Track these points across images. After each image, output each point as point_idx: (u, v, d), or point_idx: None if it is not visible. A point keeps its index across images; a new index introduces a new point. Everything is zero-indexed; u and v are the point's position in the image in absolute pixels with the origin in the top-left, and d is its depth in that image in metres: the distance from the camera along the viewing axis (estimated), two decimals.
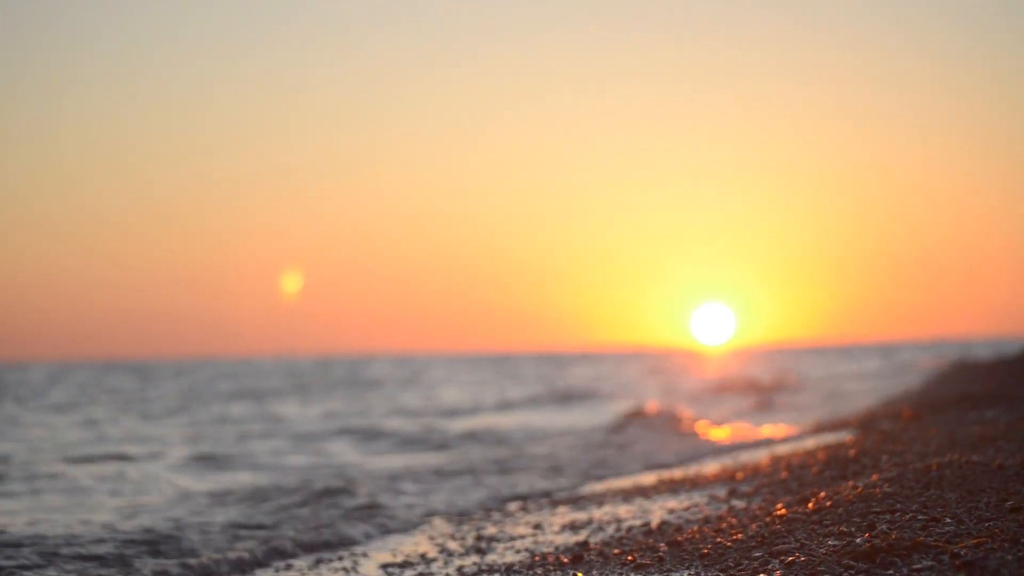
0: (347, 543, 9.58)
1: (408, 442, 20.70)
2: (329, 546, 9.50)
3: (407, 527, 10.33)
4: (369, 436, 22.06)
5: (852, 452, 10.93)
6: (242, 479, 14.66)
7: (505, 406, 33.69)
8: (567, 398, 37.08)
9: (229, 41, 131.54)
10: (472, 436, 21.67)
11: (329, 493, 11.94)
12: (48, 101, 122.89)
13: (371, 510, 10.94)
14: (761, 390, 37.70)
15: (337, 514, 10.73)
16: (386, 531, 10.17)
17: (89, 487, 13.62)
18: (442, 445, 19.92)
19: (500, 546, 8.49)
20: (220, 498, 12.34)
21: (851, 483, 8.18)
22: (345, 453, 18.83)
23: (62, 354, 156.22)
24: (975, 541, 5.76)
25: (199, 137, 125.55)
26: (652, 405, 27.98)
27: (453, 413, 30.52)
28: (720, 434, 20.07)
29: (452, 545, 8.85)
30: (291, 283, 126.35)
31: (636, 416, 24.00)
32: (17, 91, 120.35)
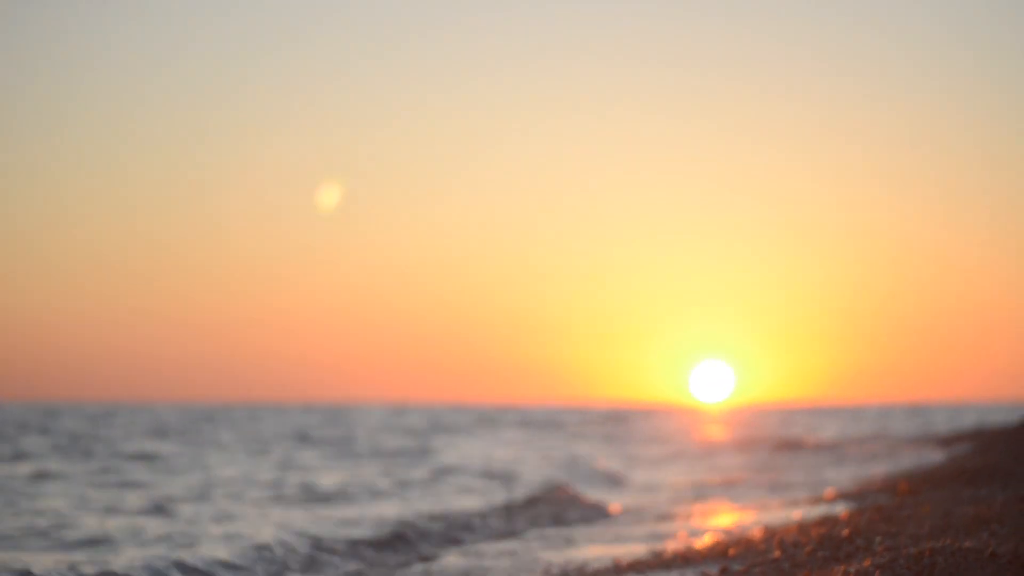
0: None
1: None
2: None
3: None
4: None
5: (846, 531, 10.87)
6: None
7: None
8: None
9: (215, 84, 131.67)
10: None
11: None
12: (48, 130, 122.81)
13: None
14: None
15: None
16: None
17: None
18: None
19: None
20: None
21: (843, 567, 8.14)
22: None
23: (51, 395, 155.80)
24: None
25: (191, 175, 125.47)
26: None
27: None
28: None
29: None
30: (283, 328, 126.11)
31: None
32: (14, 121, 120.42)
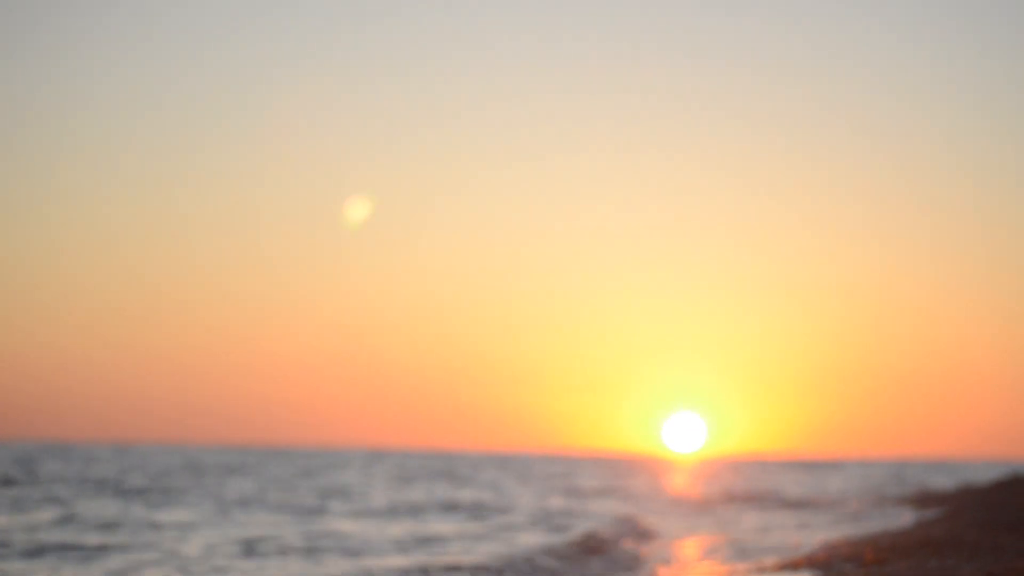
0: None
1: None
2: None
3: None
4: None
5: None
6: None
7: None
8: None
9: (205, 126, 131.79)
10: None
11: None
12: (35, 148, 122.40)
13: None
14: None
15: None
16: None
17: None
18: None
19: None
20: None
21: None
22: None
23: (28, 435, 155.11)
24: None
25: (185, 216, 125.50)
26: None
27: None
28: None
29: None
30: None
31: None
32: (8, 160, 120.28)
